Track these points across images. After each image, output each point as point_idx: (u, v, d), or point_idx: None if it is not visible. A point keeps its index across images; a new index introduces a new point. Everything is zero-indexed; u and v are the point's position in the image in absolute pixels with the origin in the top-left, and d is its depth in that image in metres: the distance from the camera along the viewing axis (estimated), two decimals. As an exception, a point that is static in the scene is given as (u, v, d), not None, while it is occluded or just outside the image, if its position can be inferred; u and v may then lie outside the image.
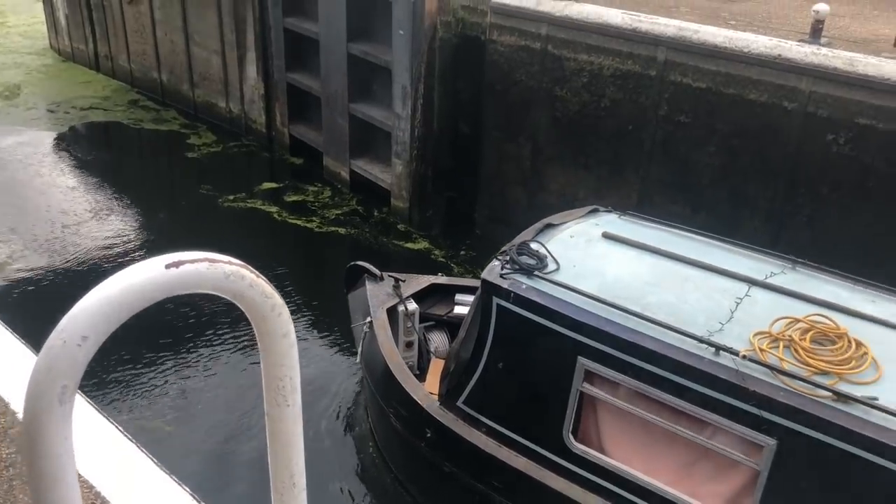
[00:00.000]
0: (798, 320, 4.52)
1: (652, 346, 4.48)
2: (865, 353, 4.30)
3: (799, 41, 7.68)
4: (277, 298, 1.01)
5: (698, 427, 4.47)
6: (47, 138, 13.58)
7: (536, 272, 5.09)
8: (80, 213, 11.03)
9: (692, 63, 7.93)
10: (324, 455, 6.77)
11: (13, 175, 12.12)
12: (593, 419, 4.96)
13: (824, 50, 7.31)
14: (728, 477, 4.50)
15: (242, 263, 0.96)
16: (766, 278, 5.05)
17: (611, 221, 5.86)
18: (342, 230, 10.61)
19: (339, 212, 11.13)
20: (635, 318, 4.61)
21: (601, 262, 5.27)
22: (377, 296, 6.82)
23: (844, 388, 4.10)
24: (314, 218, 10.91)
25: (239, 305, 0.98)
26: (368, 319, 6.63)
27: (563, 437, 4.94)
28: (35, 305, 8.48)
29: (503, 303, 5.09)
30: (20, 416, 2.33)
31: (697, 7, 9.02)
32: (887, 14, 9.62)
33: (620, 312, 4.66)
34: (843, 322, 4.54)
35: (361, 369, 6.88)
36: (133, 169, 13.12)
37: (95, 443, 2.32)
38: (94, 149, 13.42)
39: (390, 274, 7.02)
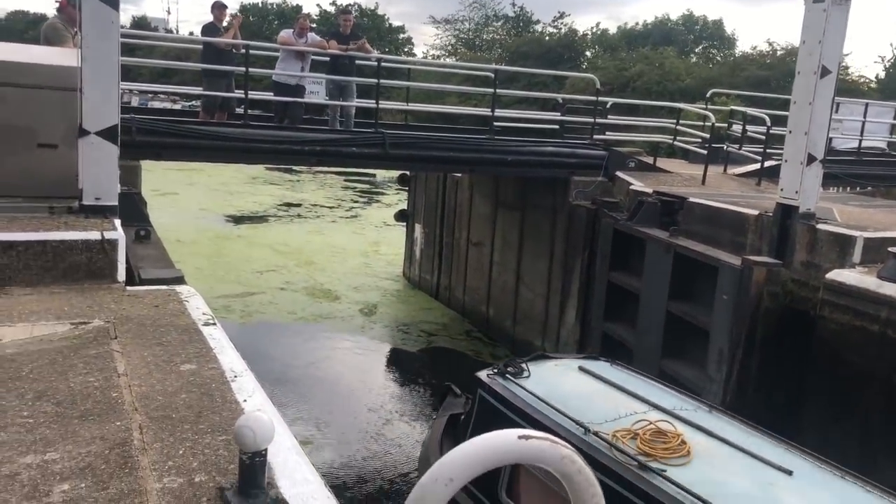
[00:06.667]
0: (651, 422, 5.92)
1: (549, 424, 6.06)
2: (686, 448, 5.66)
3: None
4: (598, 489, 1.19)
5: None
6: (396, 353, 15.40)
7: (510, 377, 6.91)
8: (391, 413, 12.20)
9: None
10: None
11: (352, 380, 13.79)
12: (516, 480, 6.50)
13: None
14: None
15: (573, 450, 1.17)
16: (672, 408, 6.30)
17: (597, 364, 7.38)
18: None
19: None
20: (550, 408, 6.30)
21: (562, 380, 6.93)
22: (449, 407, 8.61)
23: (655, 465, 5.37)
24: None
25: (564, 483, 1.18)
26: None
27: (498, 495, 6.45)
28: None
29: (482, 393, 7.10)
30: None
31: None
32: None
33: (544, 404, 6.38)
34: (687, 431, 5.89)
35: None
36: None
37: None
38: (429, 372, 14.73)
39: (468, 395, 8.34)
